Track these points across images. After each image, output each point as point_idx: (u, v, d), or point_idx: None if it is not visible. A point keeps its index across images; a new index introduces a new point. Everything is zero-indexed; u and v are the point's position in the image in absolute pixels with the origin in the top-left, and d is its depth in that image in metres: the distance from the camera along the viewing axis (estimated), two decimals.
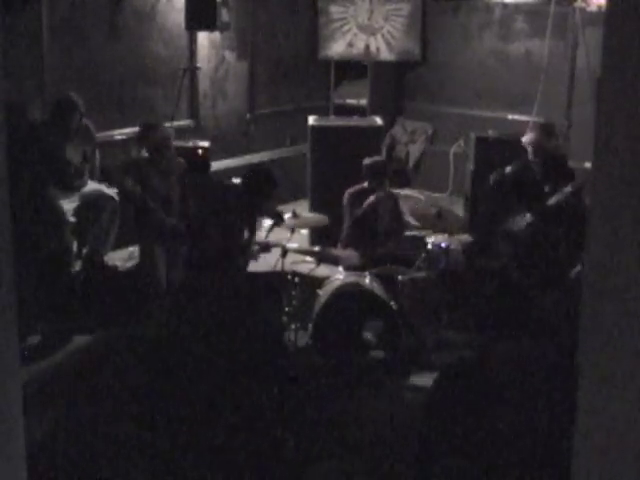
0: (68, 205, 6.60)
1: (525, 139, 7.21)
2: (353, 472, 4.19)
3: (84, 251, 6.71)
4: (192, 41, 8.36)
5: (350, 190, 6.71)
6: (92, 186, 6.88)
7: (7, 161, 1.90)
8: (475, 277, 6.16)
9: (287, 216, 6.05)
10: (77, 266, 6.54)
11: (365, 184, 6.67)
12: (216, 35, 8.41)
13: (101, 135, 7.26)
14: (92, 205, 6.71)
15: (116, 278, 6.46)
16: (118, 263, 6.97)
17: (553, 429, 3.39)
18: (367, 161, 6.70)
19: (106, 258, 6.82)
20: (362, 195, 6.64)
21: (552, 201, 6.46)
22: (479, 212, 7.62)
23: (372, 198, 6.59)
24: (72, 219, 6.56)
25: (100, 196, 6.77)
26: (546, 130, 7.27)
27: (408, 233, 6.91)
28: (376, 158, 6.86)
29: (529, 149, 7.14)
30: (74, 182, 6.75)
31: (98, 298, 6.08)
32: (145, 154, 6.52)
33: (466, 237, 7.62)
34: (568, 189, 6.49)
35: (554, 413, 3.43)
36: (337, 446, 4.37)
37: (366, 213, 6.59)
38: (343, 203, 6.73)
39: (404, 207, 7.18)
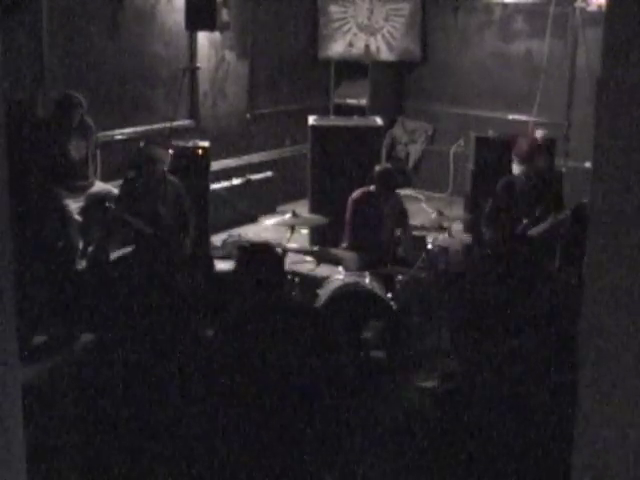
0: (74, 204, 6.63)
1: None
2: (353, 472, 4.19)
3: (89, 250, 6.74)
4: (192, 41, 8.35)
5: (354, 195, 6.59)
6: (98, 186, 6.92)
7: (14, 159, 1.90)
8: (475, 277, 6.17)
9: (287, 216, 6.03)
10: (82, 265, 6.56)
11: (371, 188, 6.54)
12: (216, 35, 8.41)
13: (101, 135, 7.27)
14: (98, 204, 6.74)
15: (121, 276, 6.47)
16: None
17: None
18: (377, 168, 6.56)
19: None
20: (366, 200, 6.54)
21: (534, 231, 6.51)
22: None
23: (377, 203, 6.50)
24: (78, 218, 6.60)
25: (106, 195, 6.79)
26: (544, 149, 7.19)
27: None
28: (386, 166, 6.74)
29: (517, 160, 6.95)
30: (76, 180, 6.78)
31: (103, 297, 6.09)
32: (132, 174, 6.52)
33: (466, 237, 7.62)
34: (550, 220, 6.48)
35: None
36: (337, 447, 4.37)
37: (370, 218, 6.49)
38: (347, 208, 6.61)
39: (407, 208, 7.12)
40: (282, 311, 4.13)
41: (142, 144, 6.68)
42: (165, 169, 6.47)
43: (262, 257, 4.24)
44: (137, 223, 6.29)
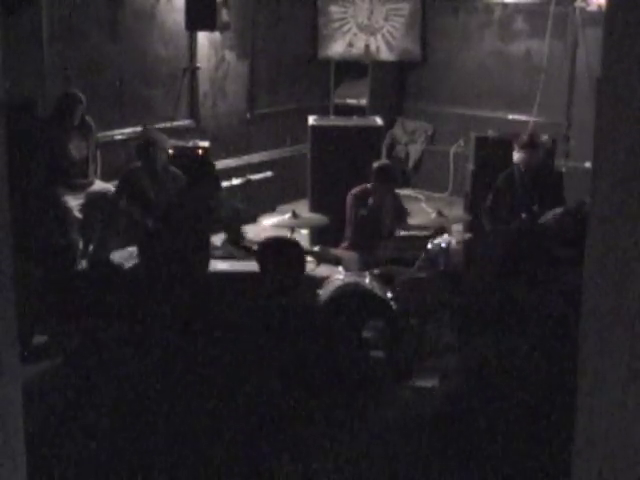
0: (74, 202, 6.64)
1: (517, 159, 6.94)
2: (352, 472, 4.19)
3: (90, 249, 6.74)
4: (192, 41, 8.36)
5: (353, 191, 6.66)
6: (98, 185, 6.93)
7: (14, 158, 1.89)
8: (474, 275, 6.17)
9: (287, 216, 6.04)
10: (83, 264, 6.56)
11: (369, 185, 6.62)
12: (216, 35, 8.42)
13: (101, 135, 7.28)
14: (98, 203, 6.75)
15: (121, 277, 6.46)
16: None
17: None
18: (375, 164, 6.63)
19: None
20: (366, 196, 6.61)
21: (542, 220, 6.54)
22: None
23: (376, 199, 6.56)
24: (78, 215, 6.61)
25: (106, 194, 6.80)
26: (542, 148, 7.15)
27: (408, 233, 6.90)
28: (384, 161, 6.84)
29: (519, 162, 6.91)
30: (75, 179, 6.79)
31: (103, 297, 6.08)
32: (138, 163, 6.58)
33: (466, 235, 7.61)
34: (558, 210, 6.49)
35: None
36: (336, 446, 4.37)
37: (370, 214, 6.57)
38: (346, 204, 6.68)
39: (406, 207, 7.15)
40: (289, 309, 4.12)
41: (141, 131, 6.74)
42: (166, 157, 6.51)
43: (286, 253, 4.17)
44: (137, 214, 6.30)
